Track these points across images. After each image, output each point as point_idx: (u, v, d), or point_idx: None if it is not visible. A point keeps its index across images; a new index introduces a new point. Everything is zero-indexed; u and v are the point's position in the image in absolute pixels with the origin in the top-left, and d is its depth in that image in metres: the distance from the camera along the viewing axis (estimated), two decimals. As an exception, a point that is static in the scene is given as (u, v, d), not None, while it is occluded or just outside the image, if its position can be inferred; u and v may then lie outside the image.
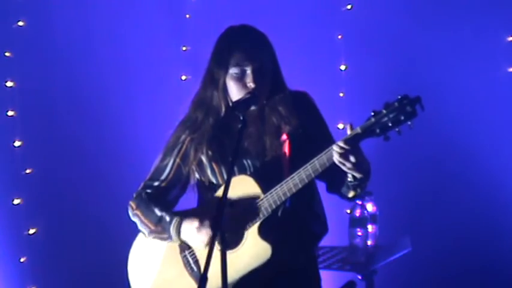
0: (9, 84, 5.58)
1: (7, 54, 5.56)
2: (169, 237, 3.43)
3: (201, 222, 3.35)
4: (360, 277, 4.58)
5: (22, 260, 5.58)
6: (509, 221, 5.38)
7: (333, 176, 3.33)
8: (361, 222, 4.76)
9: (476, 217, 5.40)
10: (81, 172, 5.65)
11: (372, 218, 4.84)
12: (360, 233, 4.74)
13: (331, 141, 3.34)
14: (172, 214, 3.43)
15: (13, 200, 5.57)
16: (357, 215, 4.77)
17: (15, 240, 5.58)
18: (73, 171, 5.65)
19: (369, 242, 4.79)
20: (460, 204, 5.43)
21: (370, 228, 4.80)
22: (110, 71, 5.66)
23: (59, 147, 5.65)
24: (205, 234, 3.34)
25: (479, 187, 5.41)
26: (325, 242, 3.65)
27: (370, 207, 4.84)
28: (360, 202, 4.76)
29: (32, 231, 5.61)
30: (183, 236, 3.40)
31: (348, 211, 4.88)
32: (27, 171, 5.61)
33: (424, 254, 5.30)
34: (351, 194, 3.36)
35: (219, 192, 3.41)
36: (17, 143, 5.58)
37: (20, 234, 5.58)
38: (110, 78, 5.66)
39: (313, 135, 3.41)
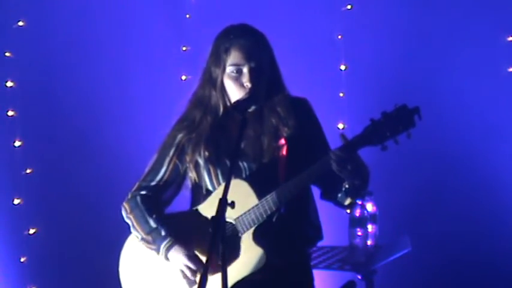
0: (9, 84, 5.58)
1: (7, 54, 5.56)
2: (157, 251, 3.42)
3: (192, 254, 3.36)
4: (359, 277, 4.58)
5: (22, 260, 5.58)
6: (510, 221, 5.38)
7: (328, 182, 3.32)
8: (361, 222, 4.75)
9: (476, 217, 5.40)
10: (81, 172, 5.64)
11: (372, 218, 4.83)
12: (360, 233, 4.74)
13: (327, 149, 3.35)
14: (168, 231, 3.41)
15: (13, 200, 5.57)
16: (357, 215, 4.77)
17: (15, 240, 5.57)
18: (73, 171, 5.65)
19: (369, 242, 4.78)
20: (460, 204, 5.43)
21: (370, 228, 4.80)
22: (110, 71, 5.66)
23: (59, 147, 5.64)
24: (191, 268, 3.35)
25: (479, 187, 5.41)
26: (325, 242, 3.64)
27: (370, 207, 4.84)
28: (360, 202, 4.76)
29: (32, 231, 5.61)
30: (170, 258, 3.40)
31: (348, 211, 4.88)
32: (27, 171, 5.60)
33: (424, 254, 5.30)
34: (347, 202, 3.35)
35: (212, 199, 3.39)
36: (17, 143, 5.58)
37: (20, 234, 5.58)
38: (110, 78, 5.66)
39: (310, 141, 3.40)
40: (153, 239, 3.42)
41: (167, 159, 3.48)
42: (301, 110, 3.43)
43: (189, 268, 3.36)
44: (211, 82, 3.40)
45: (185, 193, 3.57)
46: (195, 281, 3.39)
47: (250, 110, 3.27)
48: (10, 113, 5.58)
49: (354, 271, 4.60)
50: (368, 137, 3.15)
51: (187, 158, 3.44)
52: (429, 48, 5.47)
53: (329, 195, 3.41)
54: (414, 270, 5.39)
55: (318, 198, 3.51)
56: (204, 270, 2.80)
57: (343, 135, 3.19)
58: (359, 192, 3.31)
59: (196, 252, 3.38)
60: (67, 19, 5.64)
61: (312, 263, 3.57)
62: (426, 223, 5.43)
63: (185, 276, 3.38)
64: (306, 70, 5.46)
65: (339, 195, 3.35)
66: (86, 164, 5.65)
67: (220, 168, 3.42)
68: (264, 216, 3.28)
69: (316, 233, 3.46)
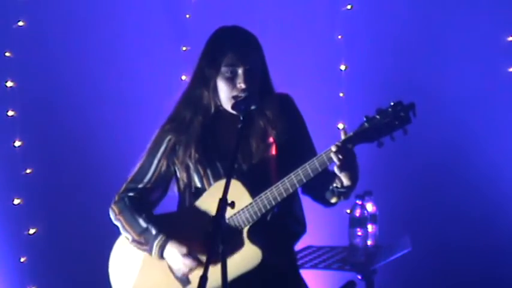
0: (9, 84, 5.58)
1: (7, 54, 5.56)
2: (150, 251, 3.40)
3: (188, 252, 3.34)
4: (359, 277, 4.57)
5: (22, 260, 5.58)
6: (509, 220, 5.38)
7: (318, 179, 3.31)
8: (361, 222, 4.75)
9: (476, 217, 5.40)
10: (81, 172, 5.64)
11: (372, 218, 4.83)
12: (360, 233, 4.74)
13: (311, 144, 3.40)
14: (159, 229, 3.39)
15: (13, 200, 5.57)
16: (357, 215, 4.76)
17: (15, 240, 5.58)
18: (73, 171, 5.65)
19: (369, 242, 4.78)
20: (460, 204, 5.43)
21: (370, 228, 4.80)
22: (110, 71, 5.66)
23: (59, 147, 5.65)
24: (188, 266, 3.33)
25: (479, 187, 5.41)
26: (325, 242, 3.65)
27: (370, 207, 4.84)
28: (360, 202, 4.76)
29: (32, 231, 5.61)
30: (166, 256, 3.38)
31: (348, 211, 4.88)
32: (27, 171, 5.61)
33: (424, 254, 5.30)
34: (333, 200, 3.36)
35: (203, 198, 3.38)
36: (17, 143, 5.59)
37: (20, 234, 5.58)
38: (110, 78, 5.66)
39: (297, 140, 3.41)
40: (145, 239, 3.40)
41: (155, 161, 3.47)
42: (287, 107, 3.44)
43: (186, 265, 3.35)
44: (204, 82, 3.40)
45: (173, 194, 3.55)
46: (188, 280, 3.39)
47: (250, 111, 3.28)
48: (10, 113, 5.58)
49: (354, 271, 4.60)
50: (363, 134, 3.15)
51: (177, 160, 3.43)
52: (429, 48, 5.47)
53: (310, 190, 3.41)
54: (414, 270, 5.39)
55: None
56: (204, 271, 2.80)
57: (344, 130, 3.20)
58: (345, 193, 3.31)
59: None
60: (67, 19, 5.64)
61: (312, 263, 3.58)
62: (426, 223, 5.44)
63: (181, 274, 3.37)
64: (306, 70, 5.46)
65: (326, 193, 3.35)
66: (86, 164, 5.65)
67: (210, 169, 3.41)
68: (259, 214, 3.28)
69: (300, 227, 3.45)
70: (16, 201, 5.57)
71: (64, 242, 5.61)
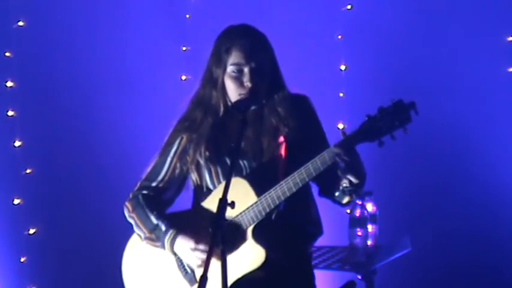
0: (9, 84, 5.58)
1: (7, 54, 5.56)
2: (162, 247, 3.43)
3: (197, 243, 3.36)
4: (359, 277, 4.58)
5: (22, 260, 5.59)
6: (509, 220, 5.38)
7: (326, 180, 3.32)
8: (361, 222, 4.75)
9: (476, 217, 5.40)
10: (81, 172, 5.65)
11: (372, 218, 4.84)
12: (360, 233, 4.74)
13: (327, 146, 3.36)
14: (168, 224, 3.42)
15: (13, 200, 5.57)
16: (357, 215, 4.77)
17: (15, 240, 5.58)
18: (73, 171, 5.65)
19: (369, 242, 4.78)
20: (460, 204, 5.43)
21: (370, 228, 4.80)
22: (110, 71, 5.66)
23: (59, 147, 5.65)
24: (198, 257, 3.35)
25: (479, 187, 5.41)
26: (325, 242, 3.64)
27: (370, 207, 4.84)
28: (360, 202, 4.76)
29: (32, 231, 5.61)
30: (176, 250, 3.41)
31: (348, 211, 4.88)
32: (27, 171, 5.61)
33: (424, 254, 5.30)
34: (345, 200, 3.37)
35: (212, 196, 3.40)
36: (17, 143, 5.59)
37: (20, 234, 5.58)
38: (110, 78, 5.66)
39: (309, 139, 3.41)
40: (156, 236, 3.43)
41: (168, 160, 3.50)
42: (301, 107, 3.45)
43: (199, 250, 3.35)
44: (212, 82, 3.42)
45: (187, 194, 3.57)
46: (195, 279, 3.39)
47: (250, 110, 3.28)
48: (10, 113, 5.58)
49: (354, 271, 4.61)
50: (364, 133, 3.15)
51: (189, 159, 3.46)
52: (429, 48, 5.47)
53: (327, 192, 3.41)
54: (414, 270, 5.39)
55: (316, 195, 3.51)
56: (204, 271, 2.80)
57: (343, 132, 3.20)
58: (356, 190, 3.31)
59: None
60: (67, 19, 5.64)
61: (312, 263, 3.57)
62: (426, 223, 5.44)
63: (193, 265, 3.37)
64: (306, 70, 5.46)
65: (337, 193, 3.35)
66: (85, 164, 5.65)
67: (220, 167, 3.43)
68: (263, 213, 3.29)
69: (317, 229, 3.47)
70: (16, 201, 5.57)
71: (64, 242, 5.62)
